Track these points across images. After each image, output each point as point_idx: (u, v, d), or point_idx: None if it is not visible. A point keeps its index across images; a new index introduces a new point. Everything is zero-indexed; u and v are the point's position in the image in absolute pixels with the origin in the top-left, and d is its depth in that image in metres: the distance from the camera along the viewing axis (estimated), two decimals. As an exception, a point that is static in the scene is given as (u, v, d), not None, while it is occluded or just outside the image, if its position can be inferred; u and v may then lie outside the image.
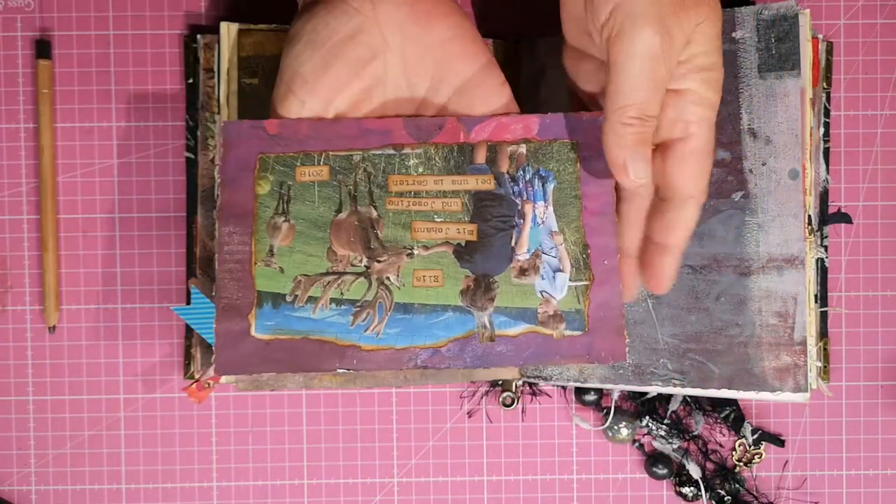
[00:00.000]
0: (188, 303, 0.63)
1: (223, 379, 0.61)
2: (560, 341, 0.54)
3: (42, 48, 0.65)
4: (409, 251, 0.55)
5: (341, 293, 0.54)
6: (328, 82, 0.53)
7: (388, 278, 0.55)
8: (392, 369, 0.54)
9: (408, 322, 0.54)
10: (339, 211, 0.55)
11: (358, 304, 0.54)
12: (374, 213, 0.55)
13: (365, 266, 0.55)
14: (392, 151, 0.55)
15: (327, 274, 0.54)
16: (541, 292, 0.55)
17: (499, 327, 0.54)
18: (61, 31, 0.66)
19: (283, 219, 0.55)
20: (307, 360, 0.54)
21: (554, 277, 0.55)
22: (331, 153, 0.55)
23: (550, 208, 0.55)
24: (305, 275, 0.54)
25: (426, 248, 0.55)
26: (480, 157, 0.56)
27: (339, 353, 0.54)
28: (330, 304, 0.54)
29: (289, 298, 0.54)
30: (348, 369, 0.54)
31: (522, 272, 0.55)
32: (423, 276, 0.55)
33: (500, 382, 0.66)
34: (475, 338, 0.54)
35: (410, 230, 0.55)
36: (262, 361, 0.53)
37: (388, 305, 0.54)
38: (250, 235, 0.54)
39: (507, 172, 0.56)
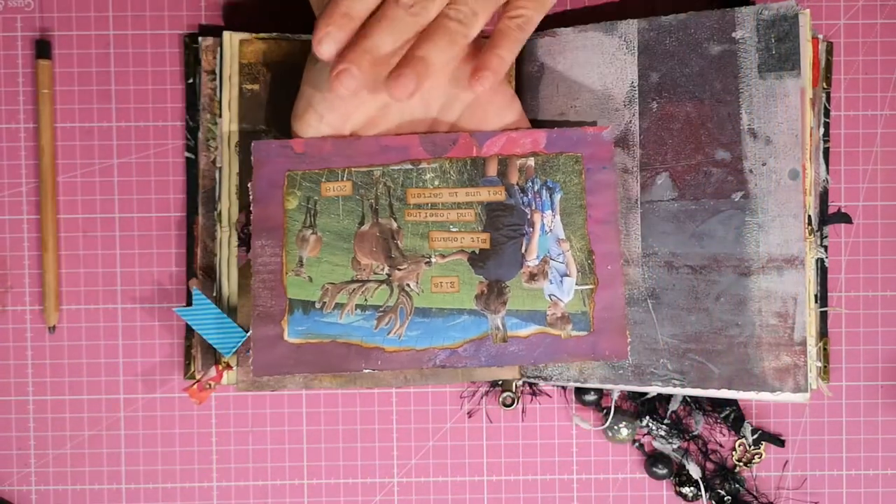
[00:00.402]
0: (189, 303, 0.63)
1: (225, 379, 0.61)
2: (567, 341, 0.58)
3: (42, 48, 0.65)
4: (427, 259, 0.59)
5: (365, 299, 0.58)
6: (347, 99, 0.56)
7: (408, 285, 0.59)
8: (413, 368, 0.58)
9: (427, 325, 0.58)
10: (361, 223, 0.59)
11: (381, 309, 0.58)
12: (395, 225, 0.59)
13: (387, 274, 0.59)
14: (410, 166, 0.59)
15: (352, 282, 0.59)
16: (549, 296, 0.59)
17: (511, 329, 0.59)
18: (61, 31, 0.66)
19: (310, 231, 0.59)
20: (336, 362, 0.58)
21: (561, 282, 0.59)
22: (353, 169, 0.59)
23: (558, 217, 0.59)
24: (332, 283, 0.58)
25: (443, 256, 0.59)
26: (492, 170, 0.59)
27: (365, 355, 0.58)
28: (355, 309, 0.58)
29: (318, 305, 0.58)
30: (373, 369, 0.58)
31: (532, 277, 0.59)
32: (441, 283, 0.59)
33: (500, 382, 0.66)
34: (489, 339, 0.58)
35: (428, 240, 0.59)
36: (295, 363, 0.58)
37: (408, 310, 0.58)
38: (281, 248, 0.58)
39: (517, 184, 0.59)
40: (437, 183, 0.59)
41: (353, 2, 0.52)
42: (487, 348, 0.58)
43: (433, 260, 0.59)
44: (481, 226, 0.59)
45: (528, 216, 0.59)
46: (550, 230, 0.59)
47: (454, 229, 0.59)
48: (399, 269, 0.59)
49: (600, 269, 0.59)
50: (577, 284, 0.59)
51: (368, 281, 0.58)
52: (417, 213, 0.59)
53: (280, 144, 0.59)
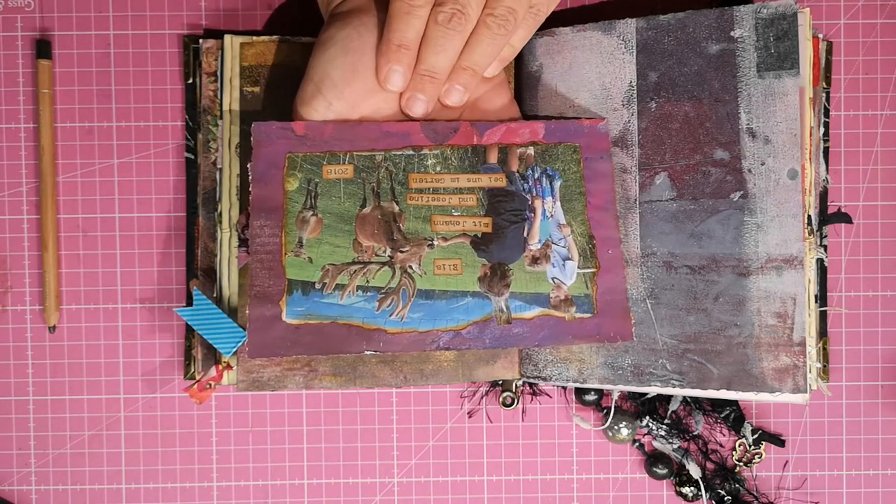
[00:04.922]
0: (189, 303, 0.63)
1: (225, 379, 0.61)
2: (571, 323, 0.59)
3: (42, 48, 0.65)
4: (430, 242, 0.59)
5: (367, 281, 0.58)
6: (357, 87, 0.57)
7: (410, 267, 0.58)
8: (416, 351, 0.58)
9: (430, 307, 0.58)
10: (363, 206, 0.59)
11: (383, 290, 0.58)
12: (396, 208, 0.59)
13: (389, 256, 0.58)
14: (411, 152, 0.59)
15: (353, 263, 0.58)
16: (552, 279, 0.59)
17: (514, 311, 0.58)
18: (61, 31, 0.66)
19: (311, 213, 0.58)
20: (336, 343, 0.57)
21: (564, 265, 0.59)
22: (355, 153, 0.59)
23: (558, 203, 0.60)
24: (333, 264, 0.58)
25: (445, 239, 0.59)
26: (493, 157, 0.60)
27: (366, 337, 0.57)
28: (356, 290, 0.58)
29: (317, 286, 0.58)
30: (375, 351, 0.57)
31: (535, 260, 0.59)
32: (443, 265, 0.59)
33: (500, 382, 0.66)
34: (493, 321, 0.58)
35: (430, 223, 0.59)
36: (293, 345, 0.57)
37: (410, 292, 0.58)
38: (280, 228, 0.58)
39: (518, 171, 0.60)
40: (438, 169, 0.59)
41: (403, 31, 0.54)
42: (491, 330, 0.58)
43: (435, 243, 0.59)
44: (483, 210, 0.59)
45: (530, 202, 0.60)
46: (552, 215, 0.60)
47: (456, 213, 0.59)
48: (401, 252, 0.58)
49: (601, 254, 0.59)
50: (578, 268, 0.59)
51: (370, 262, 0.58)
52: (419, 196, 0.59)
53: (280, 126, 0.58)
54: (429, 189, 0.59)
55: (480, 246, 0.59)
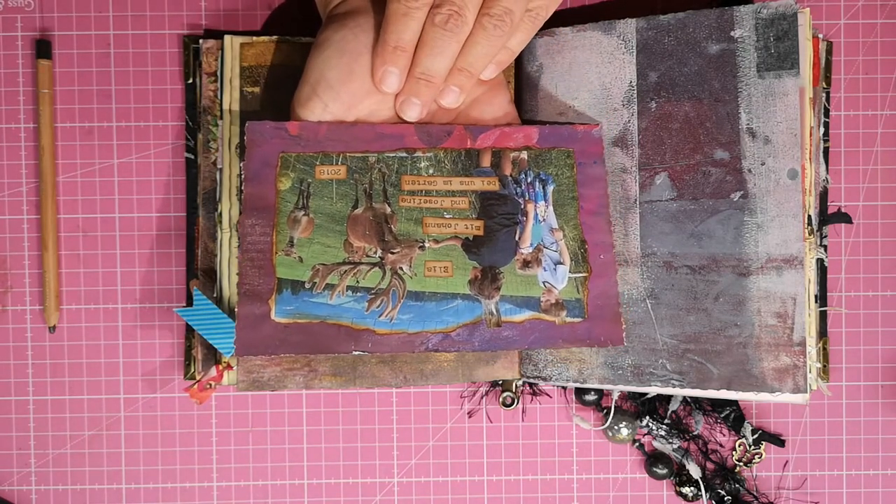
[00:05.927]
0: (189, 303, 0.63)
1: (225, 379, 0.61)
2: (562, 327, 0.59)
3: (42, 48, 0.65)
4: (421, 244, 0.59)
5: (357, 281, 0.58)
6: (352, 89, 0.57)
7: (401, 268, 0.58)
8: (405, 352, 0.58)
9: (420, 308, 0.58)
10: (355, 207, 0.59)
11: (373, 291, 0.58)
12: (388, 210, 0.59)
13: (379, 257, 0.58)
14: (405, 154, 0.59)
15: (344, 263, 0.58)
16: (543, 283, 0.59)
17: (505, 314, 0.59)
18: (61, 31, 0.66)
19: (302, 213, 0.58)
20: (324, 343, 0.57)
21: (555, 269, 0.59)
22: (348, 154, 0.59)
23: (550, 208, 0.60)
24: (323, 264, 0.58)
25: (437, 241, 0.59)
26: (486, 161, 0.60)
27: (355, 337, 0.57)
28: (346, 291, 0.58)
29: (307, 285, 0.58)
30: (364, 351, 0.57)
31: (526, 264, 0.59)
32: (434, 267, 0.59)
33: (500, 382, 0.66)
34: (483, 323, 0.58)
35: (422, 225, 0.59)
36: (281, 343, 0.57)
37: (401, 293, 0.58)
38: (272, 227, 0.58)
39: (511, 175, 0.60)
40: (431, 171, 0.59)
41: (399, 33, 0.54)
42: (481, 333, 0.58)
43: (427, 245, 0.59)
44: (475, 213, 0.59)
45: (522, 206, 0.60)
46: (544, 220, 0.60)
47: (448, 216, 0.59)
48: (392, 253, 0.59)
49: (593, 259, 0.59)
50: (570, 272, 0.59)
51: (360, 263, 0.58)
52: (411, 199, 0.59)
53: (275, 126, 0.59)
54: (421, 191, 0.59)
55: (472, 249, 0.59)
